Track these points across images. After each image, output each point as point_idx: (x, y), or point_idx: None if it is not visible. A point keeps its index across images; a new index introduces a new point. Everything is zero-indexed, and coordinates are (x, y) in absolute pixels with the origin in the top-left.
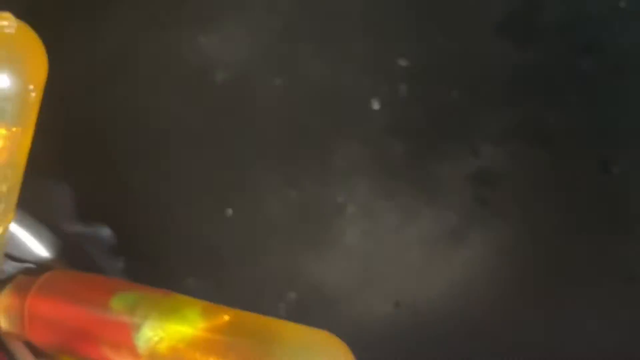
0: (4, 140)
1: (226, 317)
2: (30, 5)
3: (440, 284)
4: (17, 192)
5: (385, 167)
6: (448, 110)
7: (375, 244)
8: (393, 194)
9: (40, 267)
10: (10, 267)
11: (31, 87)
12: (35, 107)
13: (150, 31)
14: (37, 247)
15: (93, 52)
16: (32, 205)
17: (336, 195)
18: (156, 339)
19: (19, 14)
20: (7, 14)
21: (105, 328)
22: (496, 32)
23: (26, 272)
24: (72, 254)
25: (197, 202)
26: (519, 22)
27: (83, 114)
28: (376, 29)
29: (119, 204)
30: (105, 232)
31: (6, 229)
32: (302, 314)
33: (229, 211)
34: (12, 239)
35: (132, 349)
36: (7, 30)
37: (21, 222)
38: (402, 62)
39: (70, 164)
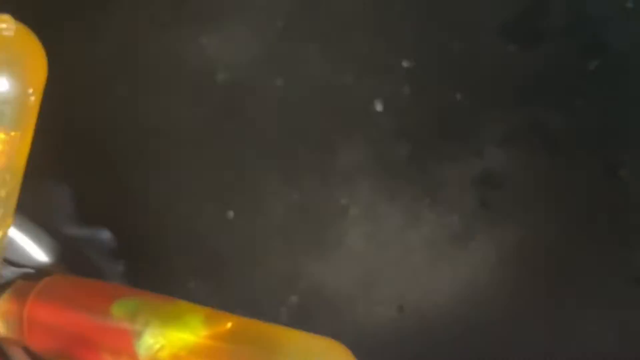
0: (3, 145)
1: (229, 325)
2: (29, 6)
3: (444, 288)
4: (16, 196)
5: (388, 169)
6: (452, 112)
7: (378, 247)
8: (396, 196)
9: (39, 272)
10: (9, 272)
11: (30, 90)
12: (34, 111)
13: (150, 32)
14: (36, 252)
15: (92, 53)
16: (31, 208)
17: (339, 198)
18: (157, 346)
19: (18, 16)
20: (6, 16)
21: (106, 335)
22: (501, 33)
23: (25, 277)
24: (71, 258)
25: (198, 204)
26: (524, 23)
27: (82, 115)
28: (379, 29)
29: (119, 206)
30: (105, 234)
31: (5, 234)
32: (303, 318)
33: (230, 213)
34: (10, 243)
35: (133, 357)
36: (5, 33)
37: (20, 227)
38: (406, 64)
39: (69, 165)
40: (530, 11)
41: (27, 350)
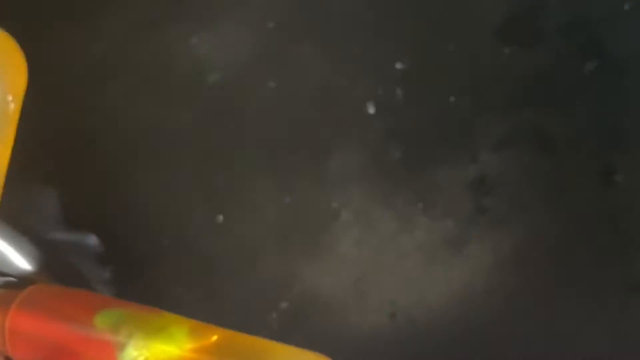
0: None
1: (214, 337)
2: (17, 9)
3: (438, 294)
4: None
5: (381, 172)
6: (446, 115)
7: (370, 252)
8: (389, 200)
9: (22, 281)
10: None
11: (10, 97)
12: (14, 119)
13: (142, 33)
14: (19, 260)
15: (81, 55)
16: (14, 214)
17: (331, 201)
18: (141, 358)
19: (6, 18)
20: None
21: (89, 346)
22: (496, 35)
23: (7, 285)
24: (56, 266)
25: (187, 208)
26: (520, 25)
27: (69, 118)
28: (373, 31)
29: (106, 210)
30: (92, 240)
31: None
32: (294, 323)
33: (220, 218)
34: None
35: None
36: None
37: (2, 234)
38: (399, 65)
39: (55, 169)
40: (527, 13)
41: None
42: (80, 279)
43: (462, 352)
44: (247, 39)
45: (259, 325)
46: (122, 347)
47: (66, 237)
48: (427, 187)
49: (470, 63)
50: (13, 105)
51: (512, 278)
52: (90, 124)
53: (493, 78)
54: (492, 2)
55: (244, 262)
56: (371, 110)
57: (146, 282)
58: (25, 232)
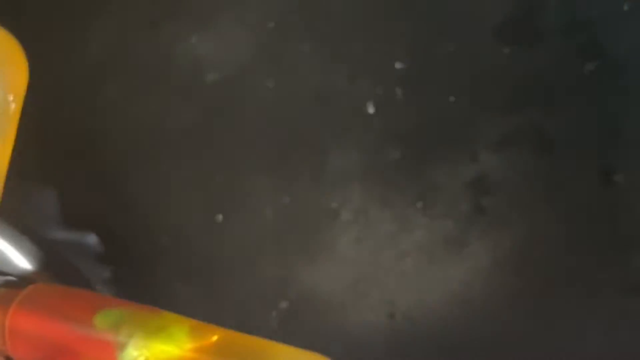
0: None
1: (214, 338)
2: (16, 8)
3: (437, 294)
4: None
5: (380, 172)
6: (445, 115)
7: (369, 252)
8: (388, 200)
9: (22, 280)
10: None
11: (11, 97)
12: (15, 118)
13: (142, 32)
14: (19, 259)
15: (81, 55)
16: (15, 213)
17: (330, 201)
18: (141, 358)
19: (3, 18)
20: None
21: (89, 346)
22: (495, 35)
23: (7, 285)
24: (56, 265)
25: (186, 208)
26: (520, 25)
27: (69, 117)
28: (372, 30)
29: (105, 210)
30: (92, 239)
31: None
32: (294, 323)
33: (219, 217)
34: None
35: None
36: None
37: (2, 234)
38: (398, 65)
39: (55, 168)
40: (526, 13)
41: (8, 359)
42: (80, 279)
43: (461, 352)
44: (247, 38)
45: (259, 325)
46: (122, 347)
47: (66, 237)
48: (426, 186)
49: (470, 63)
50: (14, 104)
51: (512, 278)
52: (89, 124)
53: (493, 78)
54: (492, 2)
55: (244, 261)
56: (371, 110)
57: (145, 281)
58: (25, 231)
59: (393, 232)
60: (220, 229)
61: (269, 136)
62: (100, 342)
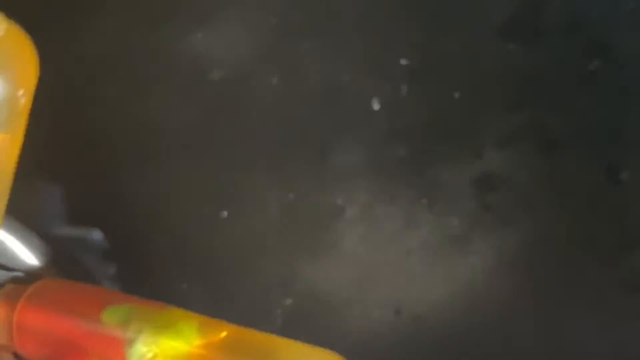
0: None
1: (223, 334)
2: (18, 6)
3: (442, 291)
4: (5, 200)
5: (386, 169)
6: (450, 112)
7: (375, 249)
8: (393, 197)
9: (29, 276)
10: None
11: (21, 92)
12: (24, 113)
13: (145, 28)
14: (27, 255)
15: (85, 51)
16: (21, 210)
17: (335, 198)
18: (150, 355)
19: (7, 16)
20: None
21: (97, 342)
22: (500, 33)
23: (15, 280)
24: (62, 261)
25: (191, 204)
26: (524, 23)
27: (74, 114)
28: (377, 27)
29: (110, 207)
30: (97, 235)
31: None
32: (298, 320)
33: (224, 214)
34: (0, 246)
35: None
36: None
37: (10, 229)
38: (404, 62)
39: (60, 166)
40: (531, 10)
41: (16, 355)
42: (87, 275)
43: (466, 348)
44: (249, 36)
45: (264, 322)
46: (130, 342)
47: (71, 233)
48: (431, 183)
49: (475, 60)
50: (24, 99)
51: (516, 275)
52: (92, 122)
53: (498, 75)
54: (495, 0)
55: (248, 258)
56: (376, 106)
57: (150, 278)
58: (32, 227)
59: (398, 229)
60: (224, 226)
61: (273, 133)
62: (109, 337)
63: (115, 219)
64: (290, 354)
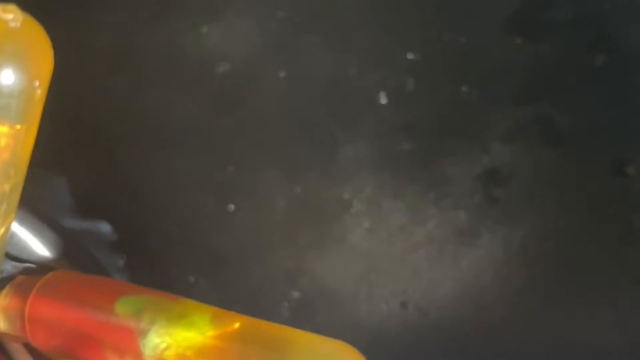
0: (7, 139)
1: (236, 325)
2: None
3: (448, 285)
4: (19, 191)
5: (392, 163)
6: (457, 106)
7: (381, 243)
8: (400, 191)
9: (41, 268)
10: (10, 266)
11: (37, 83)
12: (40, 104)
13: (149, 22)
14: (38, 247)
15: (92, 43)
16: (31, 201)
17: (342, 192)
18: (163, 345)
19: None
20: (13, 7)
21: (110, 333)
22: (507, 26)
23: (27, 272)
24: (72, 252)
25: (197, 198)
26: (530, 16)
27: (82, 107)
28: (384, 20)
29: (118, 199)
30: (105, 228)
31: (8, 229)
32: (305, 313)
33: (231, 207)
34: (12, 237)
35: (137, 356)
36: (12, 24)
37: (22, 221)
38: (410, 56)
39: (69, 158)
40: (538, 4)
41: (28, 346)
42: (98, 267)
43: (473, 341)
44: (257, 29)
45: (270, 315)
46: (144, 333)
47: (79, 225)
48: (438, 178)
49: (482, 54)
50: (39, 90)
51: (523, 269)
52: (101, 114)
53: (504, 69)
54: None
55: (255, 251)
56: (383, 100)
57: (157, 270)
58: (43, 219)
59: (405, 223)
60: (231, 219)
61: (280, 126)
62: (122, 328)
63: (123, 211)
64: (303, 345)
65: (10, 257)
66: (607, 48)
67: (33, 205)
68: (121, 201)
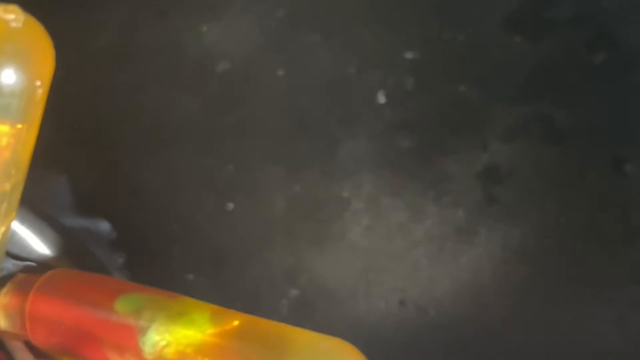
0: (8, 138)
1: (236, 322)
2: None
3: (447, 283)
4: (20, 190)
5: (391, 161)
6: (456, 104)
7: (380, 241)
8: (399, 189)
9: (41, 266)
10: (11, 265)
11: (38, 83)
12: (41, 104)
13: (151, 21)
14: (39, 245)
15: (92, 42)
16: (32, 200)
17: (341, 190)
18: (163, 343)
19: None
20: (14, 7)
21: (109, 331)
22: (506, 25)
23: (27, 270)
24: (72, 251)
25: (197, 196)
26: (529, 15)
27: (82, 106)
28: (383, 20)
29: (118, 197)
30: (105, 226)
31: (9, 228)
32: (304, 311)
33: (230, 205)
34: (12, 236)
35: (137, 353)
36: (14, 25)
37: (22, 219)
38: (409, 55)
39: (69, 157)
40: (537, 2)
41: (28, 344)
42: (98, 265)
43: (472, 340)
44: (257, 27)
45: (269, 313)
46: (144, 331)
47: (80, 224)
48: (437, 176)
49: (481, 52)
50: (40, 90)
51: (522, 267)
52: (100, 113)
53: (503, 68)
54: None
55: (254, 249)
56: (381, 99)
57: (157, 268)
58: (43, 217)
59: (404, 221)
60: (230, 218)
61: (280, 125)
62: (122, 326)
63: (123, 210)
64: (302, 342)
65: (11, 255)
66: (607, 46)
67: (33, 204)
68: (121, 200)
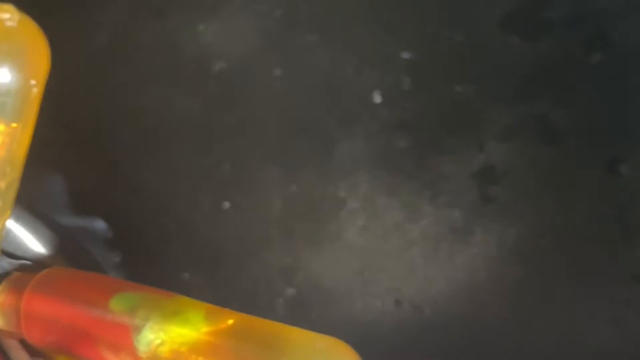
0: (3, 137)
1: (231, 321)
2: None
3: (443, 282)
4: (15, 189)
5: (388, 161)
6: (452, 104)
7: (376, 240)
8: (395, 189)
9: (36, 264)
10: (6, 263)
11: (33, 82)
12: (36, 103)
13: (147, 21)
14: (34, 243)
15: (87, 43)
16: (27, 198)
17: (337, 190)
18: (157, 341)
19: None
20: (9, 6)
21: (104, 329)
22: (503, 25)
23: (22, 268)
24: (68, 249)
25: (193, 195)
26: (527, 15)
27: (77, 104)
28: (380, 19)
29: (114, 196)
30: (101, 225)
31: (3, 227)
32: (300, 310)
33: (227, 204)
34: (7, 234)
35: (132, 352)
36: (8, 24)
37: (17, 218)
38: (406, 55)
39: (64, 155)
40: (534, 2)
41: (23, 342)
42: (94, 264)
43: (467, 339)
44: (254, 27)
45: (265, 312)
46: (138, 330)
47: (75, 222)
48: (433, 176)
49: (478, 53)
50: (35, 89)
51: (518, 267)
52: (96, 112)
53: (500, 68)
54: None
55: (250, 248)
56: (377, 99)
57: (153, 267)
58: (38, 216)
59: (400, 221)
60: (227, 217)
61: (276, 125)
62: (117, 325)
63: (119, 208)
64: (297, 341)
65: (6, 253)
66: (604, 46)
67: (29, 202)
68: (117, 198)
